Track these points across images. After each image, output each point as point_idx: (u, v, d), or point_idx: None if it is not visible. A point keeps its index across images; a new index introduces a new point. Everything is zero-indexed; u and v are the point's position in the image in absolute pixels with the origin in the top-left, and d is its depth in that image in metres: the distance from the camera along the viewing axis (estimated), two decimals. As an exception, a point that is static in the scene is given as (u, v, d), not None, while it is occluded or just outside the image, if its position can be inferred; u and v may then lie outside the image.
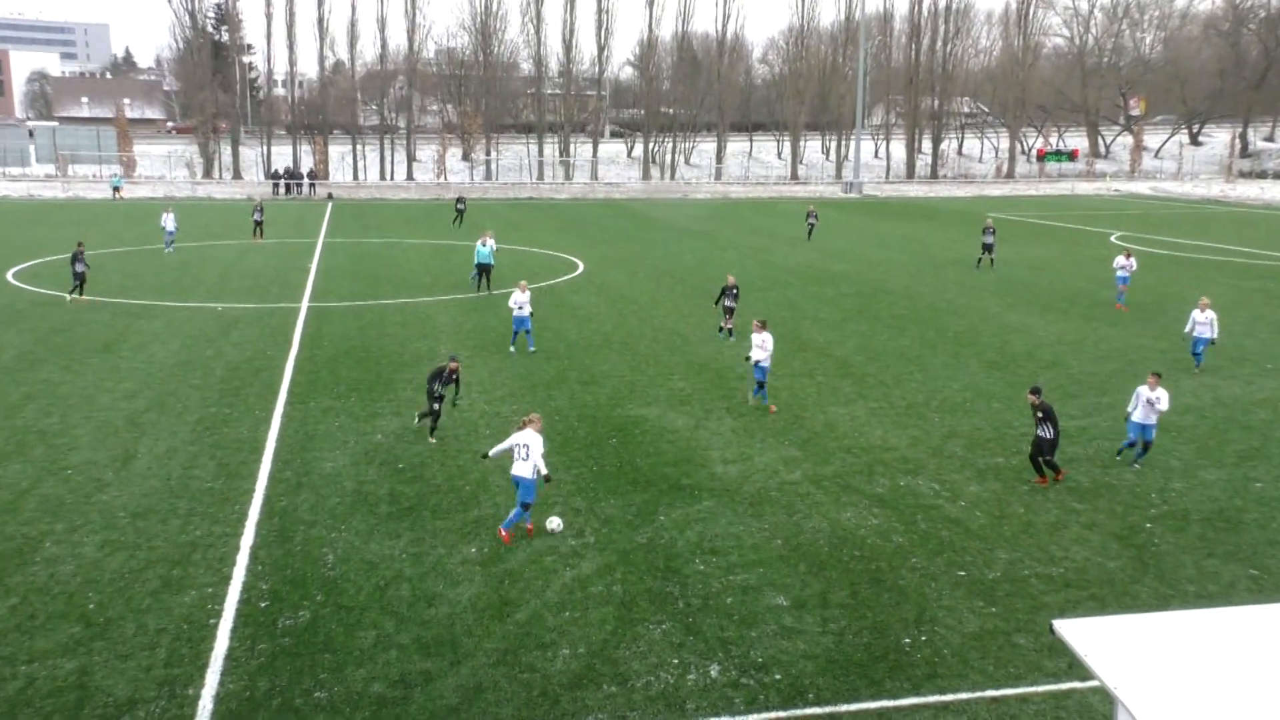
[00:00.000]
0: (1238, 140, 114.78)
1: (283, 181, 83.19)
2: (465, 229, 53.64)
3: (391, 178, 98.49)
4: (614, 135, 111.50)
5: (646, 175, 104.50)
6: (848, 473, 17.24)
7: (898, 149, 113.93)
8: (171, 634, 11.70)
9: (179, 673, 10.94)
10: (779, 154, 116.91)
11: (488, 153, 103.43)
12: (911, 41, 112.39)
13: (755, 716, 10.33)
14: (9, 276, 37.14)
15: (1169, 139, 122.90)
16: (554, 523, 14.65)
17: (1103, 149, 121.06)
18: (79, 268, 31.98)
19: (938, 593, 12.88)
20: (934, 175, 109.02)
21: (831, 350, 26.26)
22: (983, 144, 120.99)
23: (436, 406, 18.47)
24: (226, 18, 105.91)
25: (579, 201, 78.96)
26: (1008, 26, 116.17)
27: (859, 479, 16.94)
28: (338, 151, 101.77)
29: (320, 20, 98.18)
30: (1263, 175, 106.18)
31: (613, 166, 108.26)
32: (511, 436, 14.53)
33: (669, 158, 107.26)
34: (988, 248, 41.25)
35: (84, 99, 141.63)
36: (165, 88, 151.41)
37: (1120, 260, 33.54)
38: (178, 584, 12.90)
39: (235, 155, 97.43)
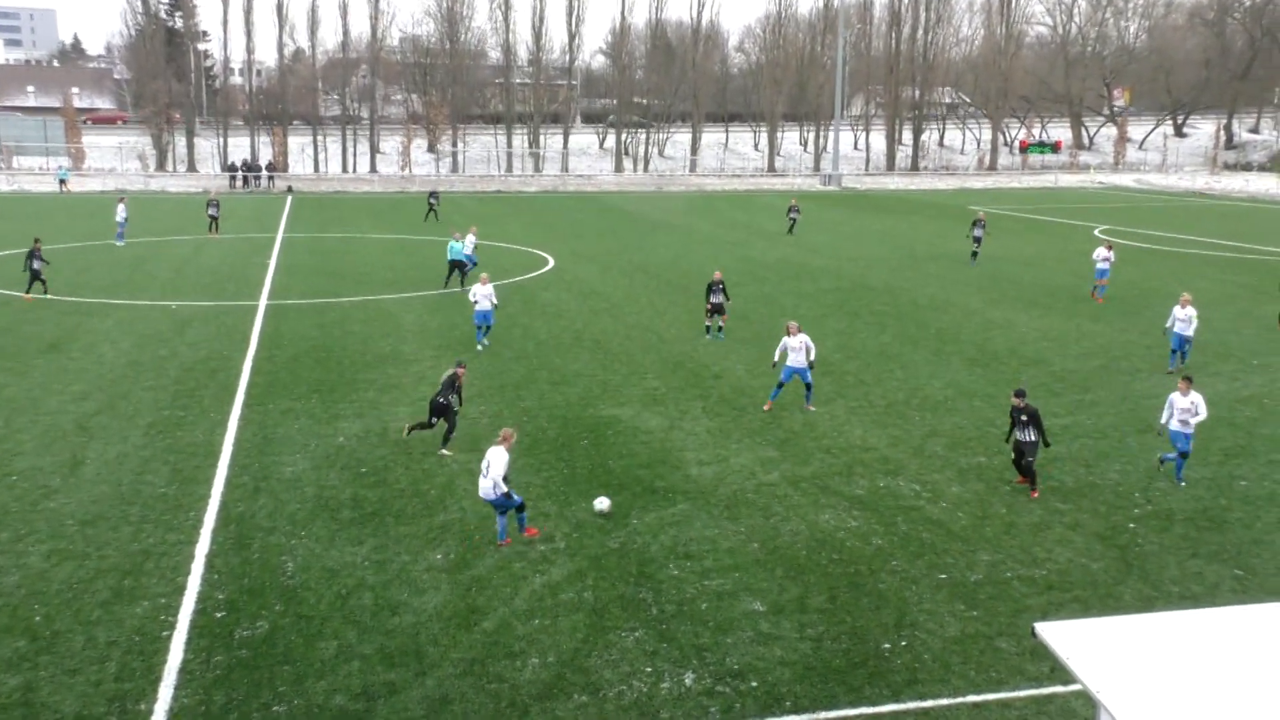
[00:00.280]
0: (1222, 132, 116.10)
1: (240, 174, 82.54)
2: (439, 224, 53.41)
3: (354, 170, 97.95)
4: (610, 125, 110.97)
5: (619, 167, 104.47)
6: (826, 473, 17.30)
7: (878, 140, 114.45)
8: (122, 647, 11.58)
9: (130, 687, 10.83)
10: (756, 145, 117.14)
11: (454, 144, 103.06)
12: (892, 30, 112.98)
13: (731, 726, 10.35)
14: (-49, 274, 36.64)
15: (1153, 130, 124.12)
16: (602, 503, 15.12)
17: (1086, 140, 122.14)
18: (35, 265, 31.66)
19: (918, 596, 12.96)
20: (915, 167, 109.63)
21: (810, 348, 26.30)
22: (964, 135, 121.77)
23: (435, 420, 17.97)
24: (180, 3, 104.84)
25: (549, 195, 78.85)
26: (990, 15, 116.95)
27: (838, 480, 17.01)
28: (298, 143, 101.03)
29: (279, 6, 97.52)
30: (1248, 167, 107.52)
31: (584, 158, 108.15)
32: (489, 452, 14.16)
33: (642, 149, 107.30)
34: (977, 241, 41.68)
35: (30, 88, 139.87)
36: (116, 76, 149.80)
37: (1101, 252, 34.01)
38: (129, 595, 12.77)
39: (190, 147, 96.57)
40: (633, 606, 12.64)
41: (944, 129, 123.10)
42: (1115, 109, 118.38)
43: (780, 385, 20.79)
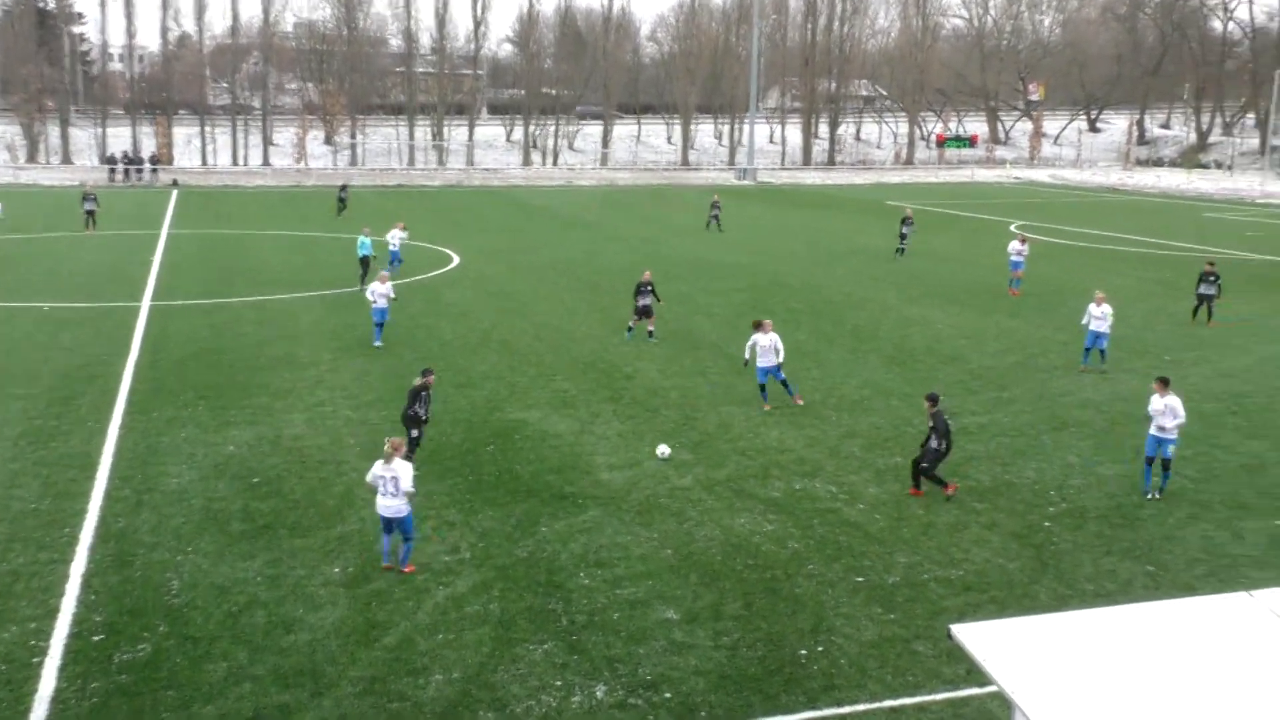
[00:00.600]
0: (1135, 127, 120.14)
1: (120, 167, 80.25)
2: (346, 220, 52.45)
3: (246, 163, 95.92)
4: (582, 117, 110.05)
5: (527, 161, 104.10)
6: (742, 476, 17.44)
7: (794, 134, 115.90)
8: (-10, 675, 11.16)
9: (-2, 718, 10.44)
10: (669, 138, 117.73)
11: (353, 136, 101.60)
12: (807, 20, 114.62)
13: (644, 739, 10.36)
14: None
15: (1068, 125, 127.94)
16: (663, 450, 16.56)
17: (1002, 135, 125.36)
18: None
19: (835, 600, 13.13)
20: (831, 161, 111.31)
21: (725, 347, 26.52)
22: (881, 129, 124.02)
23: (415, 433, 17.27)
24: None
25: (454, 189, 78.22)
26: (906, 6, 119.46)
27: (753, 483, 17.15)
28: (184, 134, 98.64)
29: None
30: (1159, 163, 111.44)
31: (490, 151, 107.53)
32: (375, 467, 13.52)
33: (551, 141, 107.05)
34: (903, 237, 42.56)
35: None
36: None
37: (1014, 245, 35.08)
38: (-3, 618, 12.31)
39: (65, 137, 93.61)
40: (541, 618, 12.58)
41: (861, 123, 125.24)
42: (1030, 103, 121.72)
43: (762, 386, 21.10)
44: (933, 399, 16.79)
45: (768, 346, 20.80)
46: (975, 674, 11.06)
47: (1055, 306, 32.42)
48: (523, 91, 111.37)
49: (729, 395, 22.14)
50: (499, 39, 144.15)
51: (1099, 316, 24.41)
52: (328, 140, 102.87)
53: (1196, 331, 29.16)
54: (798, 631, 12.36)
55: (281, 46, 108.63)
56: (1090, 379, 23.76)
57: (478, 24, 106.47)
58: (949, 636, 6.90)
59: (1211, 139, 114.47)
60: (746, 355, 21.51)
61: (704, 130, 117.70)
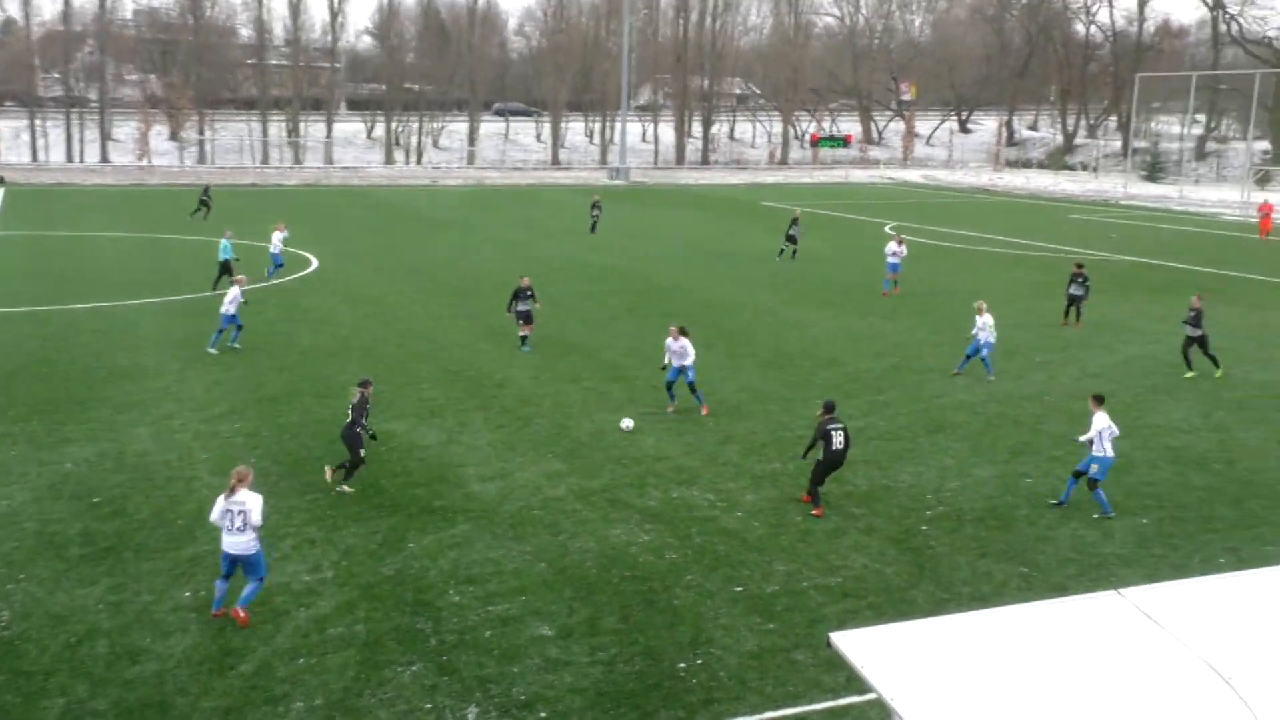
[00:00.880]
0: (1004, 129, 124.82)
1: (-59, 162, 76.33)
2: (211, 222, 50.59)
3: (81, 160, 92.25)
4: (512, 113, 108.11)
5: (390, 159, 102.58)
6: (617, 485, 17.50)
7: (666, 132, 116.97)
8: None
9: None
10: (538, 136, 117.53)
11: (201, 132, 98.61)
12: (679, 15, 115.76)
13: (519, 762, 10.31)
14: None
15: (939, 126, 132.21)
16: (626, 423, 16.59)
17: (876, 135, 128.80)
18: None
19: (714, 611, 13.27)
20: (705, 161, 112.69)
21: (599, 353, 26.59)
22: (755, 128, 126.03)
23: (362, 452, 16.47)
24: None
25: (312, 188, 76.61)
26: (778, 3, 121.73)
27: (629, 492, 17.23)
28: (11, 128, 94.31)
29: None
30: (1027, 164, 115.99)
31: (350, 149, 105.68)
32: (219, 502, 12.55)
33: (415, 139, 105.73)
34: (792, 239, 43.25)
35: None
36: None
37: (892, 246, 36.08)
38: None
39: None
40: (410, 638, 12.41)
41: (735, 121, 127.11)
42: (902, 103, 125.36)
43: (669, 384, 21.47)
44: (827, 407, 16.84)
45: (678, 351, 21.20)
46: (855, 682, 11.32)
47: (930, 309, 33.41)
48: (384, 86, 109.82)
49: (603, 402, 22.20)
50: (358, 30, 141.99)
51: (980, 325, 24.93)
52: (173, 136, 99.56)
53: (1065, 333, 30.41)
54: (676, 644, 12.45)
55: (120, 35, 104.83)
56: (964, 381, 24.54)
57: (335, 14, 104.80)
58: (828, 645, 7.05)
59: (1077, 141, 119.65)
60: (665, 360, 21.77)
61: (575, 128, 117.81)
